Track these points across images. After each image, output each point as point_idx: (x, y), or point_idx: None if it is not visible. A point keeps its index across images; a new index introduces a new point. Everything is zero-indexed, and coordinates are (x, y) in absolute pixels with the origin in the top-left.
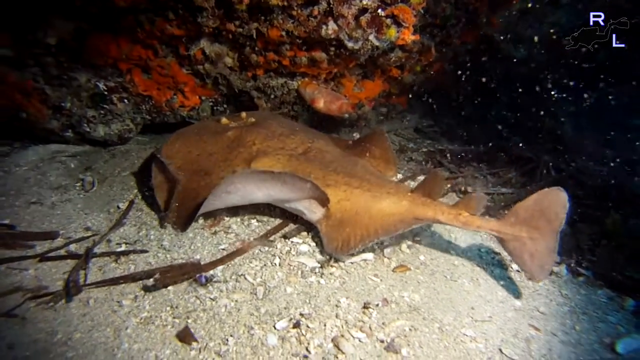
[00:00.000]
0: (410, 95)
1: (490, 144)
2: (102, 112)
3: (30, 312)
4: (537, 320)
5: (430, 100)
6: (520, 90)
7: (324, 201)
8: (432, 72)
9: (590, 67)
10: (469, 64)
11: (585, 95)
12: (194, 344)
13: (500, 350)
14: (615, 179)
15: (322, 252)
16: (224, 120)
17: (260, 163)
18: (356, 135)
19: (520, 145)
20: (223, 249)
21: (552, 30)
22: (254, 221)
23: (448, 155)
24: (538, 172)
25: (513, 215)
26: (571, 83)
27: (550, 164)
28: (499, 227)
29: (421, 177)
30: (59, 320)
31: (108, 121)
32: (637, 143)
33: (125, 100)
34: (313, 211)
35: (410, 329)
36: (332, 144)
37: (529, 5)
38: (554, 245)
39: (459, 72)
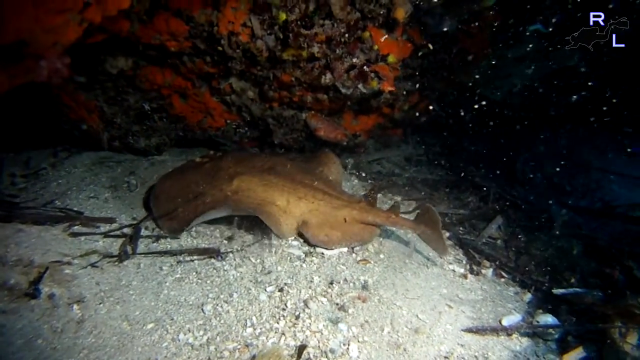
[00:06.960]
0: (403, 129)
1: (459, 174)
2: (144, 127)
3: (105, 266)
4: (454, 302)
5: (420, 133)
6: (488, 129)
7: None
8: (418, 111)
9: (549, 113)
10: (450, 104)
11: (542, 136)
12: (210, 294)
13: (417, 315)
14: (545, 206)
15: (307, 246)
16: (197, 159)
17: (242, 179)
18: (350, 161)
19: (476, 176)
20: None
21: (516, 82)
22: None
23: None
24: (489, 198)
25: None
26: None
27: (498, 192)
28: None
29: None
30: (122, 273)
31: (149, 135)
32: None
33: (164, 119)
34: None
35: (358, 298)
36: (287, 161)
37: (494, 62)
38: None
39: (442, 112)
